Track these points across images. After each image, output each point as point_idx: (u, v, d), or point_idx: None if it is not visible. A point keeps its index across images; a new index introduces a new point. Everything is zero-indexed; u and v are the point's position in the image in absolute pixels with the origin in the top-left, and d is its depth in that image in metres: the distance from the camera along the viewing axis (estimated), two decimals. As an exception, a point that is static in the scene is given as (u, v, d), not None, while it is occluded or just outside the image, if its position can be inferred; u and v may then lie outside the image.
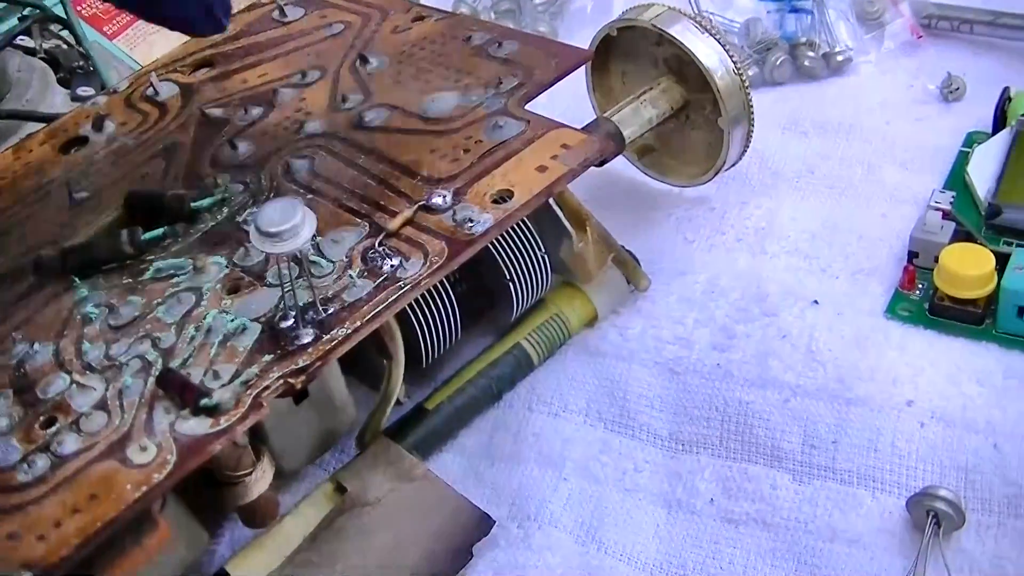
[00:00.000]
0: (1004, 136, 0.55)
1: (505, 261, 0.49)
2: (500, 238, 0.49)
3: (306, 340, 0.40)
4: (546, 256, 0.50)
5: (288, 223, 0.39)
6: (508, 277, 0.49)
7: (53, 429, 0.39)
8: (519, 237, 0.49)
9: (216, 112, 0.52)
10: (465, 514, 0.45)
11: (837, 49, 0.64)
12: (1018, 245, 0.50)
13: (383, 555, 0.44)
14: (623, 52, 0.54)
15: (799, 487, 0.46)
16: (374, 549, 0.44)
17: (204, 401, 0.38)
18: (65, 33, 0.69)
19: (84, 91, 0.65)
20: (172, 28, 0.46)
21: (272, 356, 0.40)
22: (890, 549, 0.43)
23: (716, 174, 0.54)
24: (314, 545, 0.44)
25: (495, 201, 0.44)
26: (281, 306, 0.41)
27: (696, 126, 0.54)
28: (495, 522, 0.46)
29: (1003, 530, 0.43)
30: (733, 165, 0.54)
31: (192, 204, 0.47)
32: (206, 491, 0.42)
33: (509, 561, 0.46)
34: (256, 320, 0.41)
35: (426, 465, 0.48)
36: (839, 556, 0.44)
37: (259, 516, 0.43)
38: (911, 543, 0.43)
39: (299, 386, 0.39)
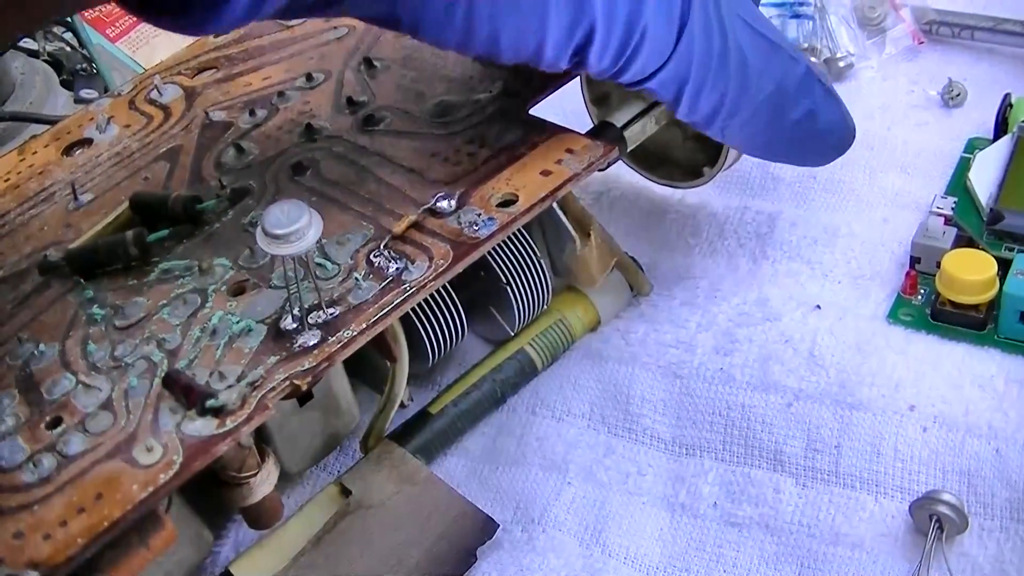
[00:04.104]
0: (1005, 142, 0.55)
1: (509, 279, 0.49)
2: (505, 259, 0.49)
3: (311, 342, 0.40)
4: (548, 274, 0.51)
5: (294, 225, 0.39)
6: (511, 295, 0.50)
7: (59, 429, 0.39)
8: (524, 257, 0.50)
9: (220, 115, 0.52)
10: (469, 517, 0.46)
11: (839, 55, 0.64)
12: (1019, 250, 0.50)
13: (387, 558, 0.44)
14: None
15: (802, 491, 0.46)
16: (378, 552, 0.44)
17: (210, 402, 0.38)
18: (68, 36, 0.70)
19: (87, 93, 0.65)
20: None
21: (277, 357, 0.40)
22: (893, 553, 0.44)
23: (714, 176, 0.53)
24: (318, 547, 0.44)
25: (500, 205, 0.44)
26: (286, 308, 0.41)
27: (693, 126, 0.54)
28: (499, 525, 0.46)
29: (1006, 534, 0.43)
30: (731, 167, 0.54)
31: (197, 206, 0.47)
32: (211, 492, 0.42)
33: (513, 564, 0.46)
34: (261, 322, 0.41)
35: (430, 468, 0.48)
36: (842, 560, 0.44)
37: (263, 517, 0.43)
38: (914, 547, 0.43)
39: (304, 387, 0.39)
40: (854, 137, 0.49)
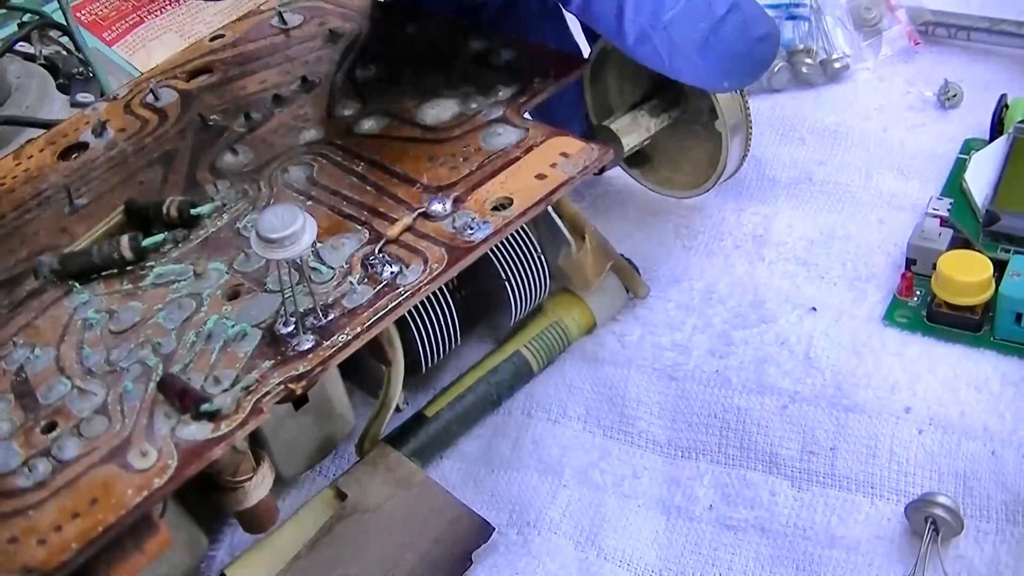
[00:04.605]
0: (1001, 143, 0.55)
1: (503, 267, 0.49)
2: (501, 251, 0.49)
3: (306, 346, 0.40)
4: (544, 261, 0.50)
5: (289, 229, 0.39)
6: (506, 282, 0.50)
7: (54, 434, 0.39)
8: (517, 243, 0.50)
9: (215, 119, 0.52)
10: (465, 521, 0.46)
11: (834, 56, 0.64)
12: (1015, 252, 0.50)
13: (382, 562, 0.44)
14: (619, 61, 0.54)
15: (797, 494, 0.46)
16: (373, 556, 0.44)
17: (205, 406, 0.38)
18: (64, 39, 0.70)
19: (83, 97, 0.65)
20: None
21: (272, 362, 0.40)
22: (889, 556, 0.44)
23: (714, 185, 0.54)
24: (313, 551, 0.44)
25: (494, 208, 0.44)
26: (281, 312, 0.41)
27: (692, 136, 0.54)
28: (494, 529, 0.46)
29: (1001, 536, 0.43)
30: (731, 176, 0.54)
31: (192, 210, 0.47)
32: (205, 496, 0.42)
33: (509, 567, 0.46)
34: (256, 326, 0.41)
35: (426, 472, 0.48)
36: (838, 563, 0.44)
37: (258, 521, 0.43)
38: (909, 550, 0.43)
39: (299, 391, 0.39)
40: (779, 39, 0.49)
